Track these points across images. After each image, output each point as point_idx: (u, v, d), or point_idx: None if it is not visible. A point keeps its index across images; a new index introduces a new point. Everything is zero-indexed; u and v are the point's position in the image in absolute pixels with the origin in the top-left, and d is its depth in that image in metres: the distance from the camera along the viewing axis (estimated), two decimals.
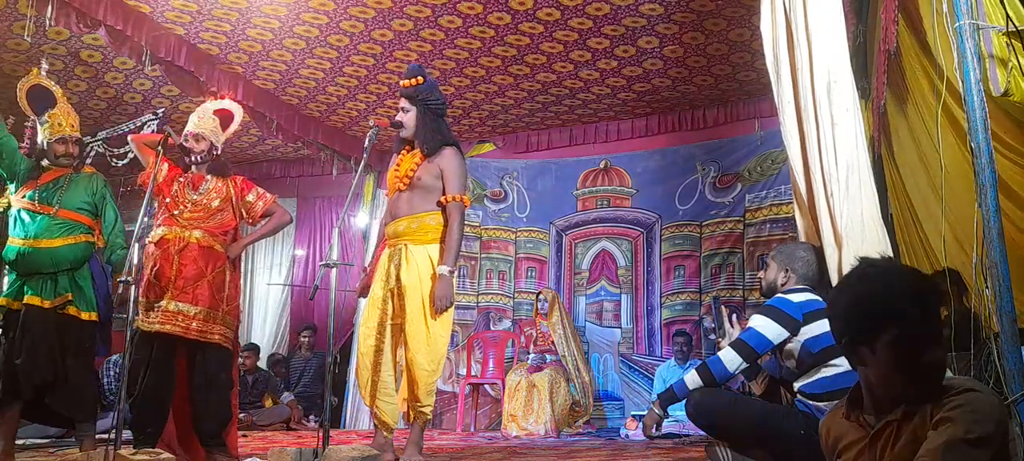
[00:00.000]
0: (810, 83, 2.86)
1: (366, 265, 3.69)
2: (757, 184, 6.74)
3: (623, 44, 5.77)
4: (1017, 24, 2.25)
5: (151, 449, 3.62)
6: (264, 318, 8.62)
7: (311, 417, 7.13)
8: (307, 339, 7.80)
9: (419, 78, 3.50)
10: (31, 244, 3.33)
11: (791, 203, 3.36)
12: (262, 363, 7.55)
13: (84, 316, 3.40)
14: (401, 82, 3.55)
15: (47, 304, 3.32)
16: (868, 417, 1.57)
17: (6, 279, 3.61)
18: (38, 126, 3.64)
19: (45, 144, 3.56)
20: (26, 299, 3.31)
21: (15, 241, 3.37)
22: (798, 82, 2.93)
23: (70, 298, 3.35)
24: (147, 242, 3.41)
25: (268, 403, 7.08)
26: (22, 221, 3.42)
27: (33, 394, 3.26)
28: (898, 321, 1.51)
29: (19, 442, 4.64)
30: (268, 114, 6.74)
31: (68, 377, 3.29)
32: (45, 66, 5.89)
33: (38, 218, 3.39)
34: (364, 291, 3.56)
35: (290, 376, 7.73)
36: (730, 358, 2.74)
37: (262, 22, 5.52)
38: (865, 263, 1.66)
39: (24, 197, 3.44)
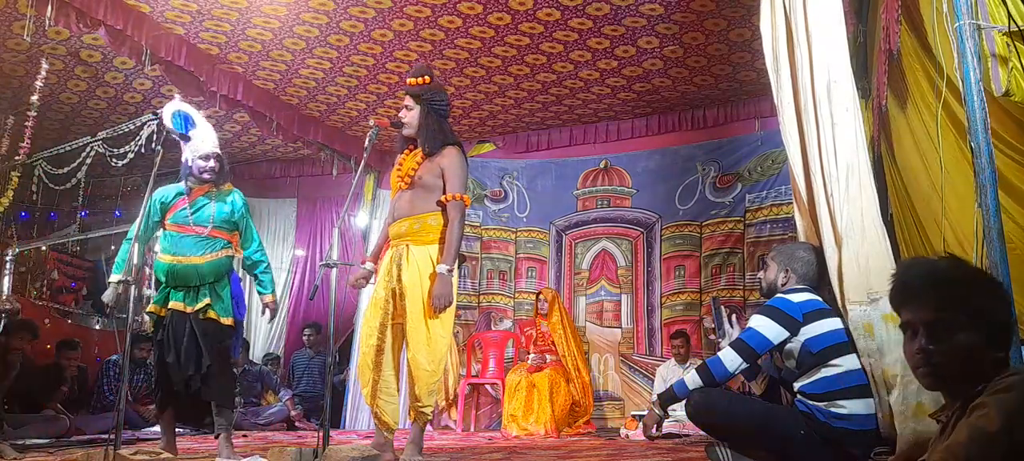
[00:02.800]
0: (810, 83, 2.86)
1: (366, 257, 3.71)
2: (757, 184, 6.74)
3: (623, 44, 5.77)
4: (1018, 24, 2.25)
5: (151, 450, 3.67)
6: (262, 316, 8.55)
7: (312, 420, 7.11)
8: (309, 337, 7.74)
9: (426, 77, 3.49)
10: (179, 261, 3.65)
11: (791, 203, 3.36)
12: (257, 362, 7.50)
13: (223, 320, 3.69)
14: (407, 79, 3.54)
15: (189, 309, 3.63)
16: (945, 414, 1.54)
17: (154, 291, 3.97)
18: (184, 146, 3.87)
19: (190, 163, 3.80)
20: (170, 305, 3.64)
21: (165, 258, 3.70)
22: (798, 82, 2.93)
23: (209, 303, 3.65)
24: None
25: (268, 400, 7.08)
26: (171, 237, 3.73)
27: (184, 387, 3.60)
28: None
29: (19, 442, 4.65)
30: (268, 114, 6.73)
31: (211, 371, 3.60)
32: (45, 66, 5.93)
33: (184, 237, 3.69)
34: (356, 282, 3.62)
35: (292, 374, 7.69)
36: (730, 358, 2.74)
37: (262, 22, 5.52)
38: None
39: (170, 220, 3.74)
